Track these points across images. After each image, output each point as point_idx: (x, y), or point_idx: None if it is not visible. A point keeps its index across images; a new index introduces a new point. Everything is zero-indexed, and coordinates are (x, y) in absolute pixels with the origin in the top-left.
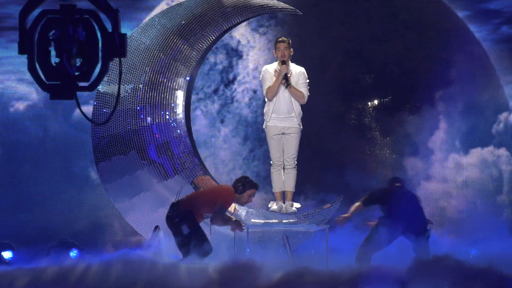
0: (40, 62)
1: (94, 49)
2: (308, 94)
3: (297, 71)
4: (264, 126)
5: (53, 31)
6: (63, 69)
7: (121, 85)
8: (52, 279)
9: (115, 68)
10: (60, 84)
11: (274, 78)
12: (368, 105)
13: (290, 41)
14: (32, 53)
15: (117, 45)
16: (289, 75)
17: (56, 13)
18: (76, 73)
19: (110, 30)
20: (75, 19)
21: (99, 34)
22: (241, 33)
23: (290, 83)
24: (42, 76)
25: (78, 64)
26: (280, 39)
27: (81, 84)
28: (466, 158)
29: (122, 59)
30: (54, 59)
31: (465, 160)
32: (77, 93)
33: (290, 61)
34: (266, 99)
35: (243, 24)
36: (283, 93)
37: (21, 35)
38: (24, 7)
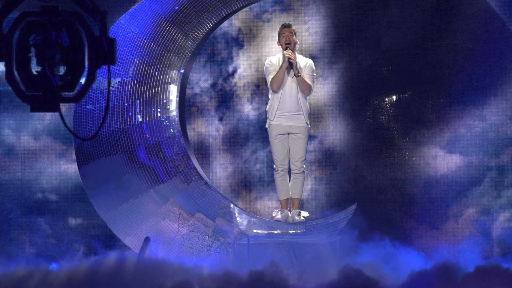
0: (19, 71)
1: (80, 56)
2: (313, 88)
3: (303, 63)
4: (267, 125)
5: (34, 36)
6: (45, 78)
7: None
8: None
9: None
10: (41, 95)
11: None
12: (386, 101)
13: (295, 30)
14: (10, 60)
15: (105, 51)
16: (295, 63)
17: (37, 16)
18: (60, 83)
19: (97, 35)
20: (58, 22)
21: (85, 39)
22: (242, 20)
23: (299, 71)
24: (22, 86)
25: (61, 73)
26: (284, 24)
27: (65, 95)
28: (499, 161)
29: (111, 66)
30: (35, 67)
31: (498, 164)
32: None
33: (296, 52)
34: (269, 95)
35: (245, 10)
36: (290, 87)
37: None
38: (0, 8)
